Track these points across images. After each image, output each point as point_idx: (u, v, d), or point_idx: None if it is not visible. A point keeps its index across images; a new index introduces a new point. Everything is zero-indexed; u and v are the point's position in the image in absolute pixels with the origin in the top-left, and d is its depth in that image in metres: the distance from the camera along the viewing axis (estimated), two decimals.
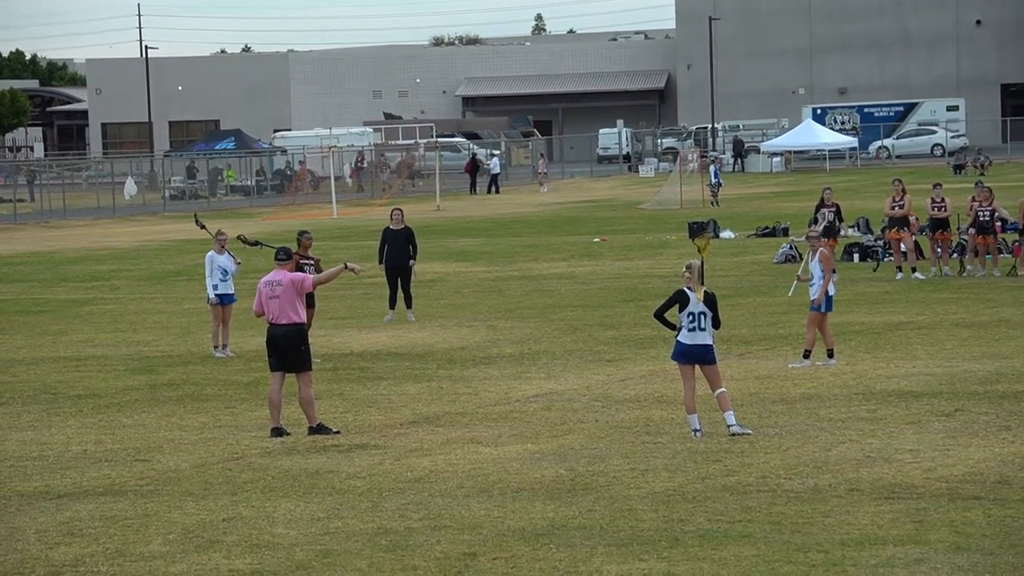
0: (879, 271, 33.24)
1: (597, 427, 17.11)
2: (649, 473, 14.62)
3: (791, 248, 37.17)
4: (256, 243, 22.93)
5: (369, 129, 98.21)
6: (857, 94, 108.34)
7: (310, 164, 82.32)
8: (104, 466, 15.93)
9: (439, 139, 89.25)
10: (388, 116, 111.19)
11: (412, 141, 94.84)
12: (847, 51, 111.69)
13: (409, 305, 27.66)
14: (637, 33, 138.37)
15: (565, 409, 18.33)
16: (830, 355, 20.84)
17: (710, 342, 16.36)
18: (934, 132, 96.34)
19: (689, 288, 16.39)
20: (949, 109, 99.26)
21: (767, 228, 44.63)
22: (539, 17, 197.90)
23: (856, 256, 36.01)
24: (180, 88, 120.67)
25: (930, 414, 17.07)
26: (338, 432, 17.13)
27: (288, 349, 16.95)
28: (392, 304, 27.70)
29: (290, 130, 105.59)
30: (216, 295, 23.98)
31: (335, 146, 76.69)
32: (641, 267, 36.93)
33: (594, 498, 13.72)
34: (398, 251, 27.34)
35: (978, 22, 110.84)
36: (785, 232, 43.38)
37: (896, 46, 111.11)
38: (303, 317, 17.19)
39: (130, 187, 78.87)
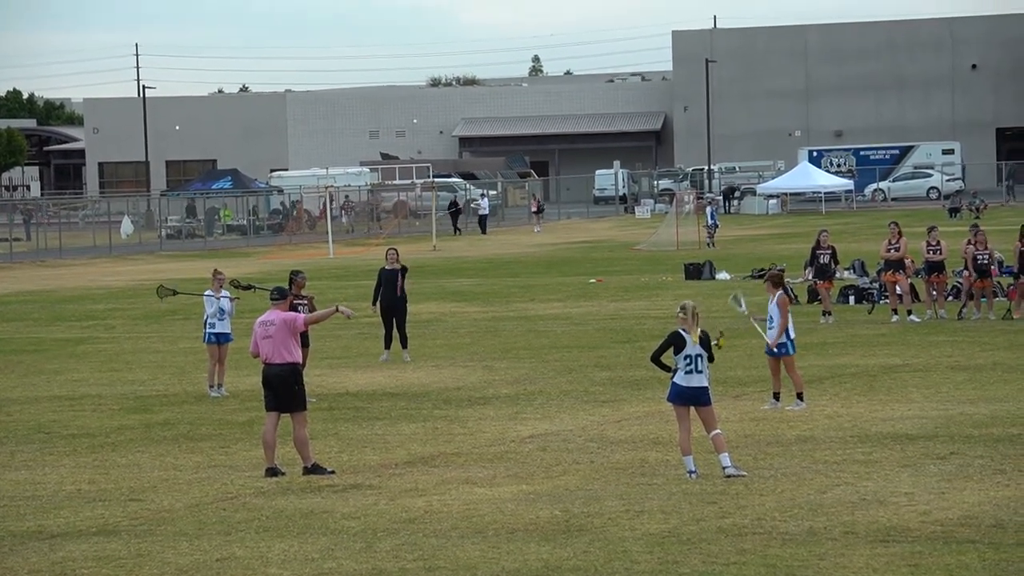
0: (874, 313, 33.26)
1: (592, 468, 17.08)
2: (644, 515, 14.60)
3: (788, 290, 37.13)
4: (249, 287, 22.97)
5: (366, 169, 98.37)
6: (853, 136, 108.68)
7: (306, 204, 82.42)
8: (98, 506, 15.88)
9: (435, 179, 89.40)
10: (385, 156, 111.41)
11: (408, 181, 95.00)
12: (843, 94, 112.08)
13: (405, 345, 27.65)
14: (634, 75, 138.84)
15: (560, 450, 18.31)
16: (800, 398, 20.84)
17: (706, 384, 16.37)
18: (930, 175, 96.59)
19: (684, 330, 16.39)
20: (945, 152, 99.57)
21: (763, 270, 44.61)
22: (536, 58, 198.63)
23: (852, 298, 36.04)
24: (177, 127, 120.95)
25: (925, 457, 17.06)
26: (333, 472, 17.10)
27: (282, 388, 16.96)
28: (387, 344, 27.70)
29: (287, 170, 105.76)
30: (212, 334, 23.96)
31: (332, 186, 76.78)
32: (637, 308, 36.95)
33: (589, 539, 13.70)
34: (392, 291, 27.36)
35: (973, 66, 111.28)
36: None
37: (892, 89, 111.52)
38: (297, 357, 17.17)
39: (127, 226, 78.92)
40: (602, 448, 18.31)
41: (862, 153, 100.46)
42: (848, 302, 35.80)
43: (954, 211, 76.25)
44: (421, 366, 26.93)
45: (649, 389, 23.00)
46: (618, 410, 21.31)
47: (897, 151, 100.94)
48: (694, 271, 45.19)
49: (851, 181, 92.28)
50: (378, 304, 27.55)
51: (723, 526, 14.03)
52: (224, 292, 24.21)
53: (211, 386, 24.01)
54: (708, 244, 60.40)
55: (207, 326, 24.12)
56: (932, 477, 15.95)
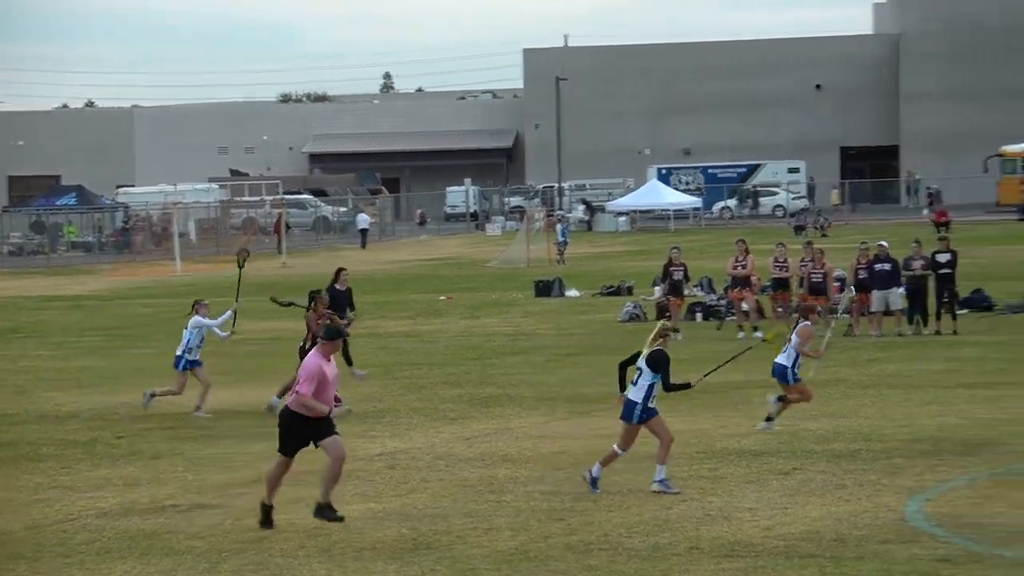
0: (722, 330, 33.61)
1: (441, 486, 17.04)
2: (492, 532, 14.59)
3: (635, 307, 37.49)
4: (289, 303, 22.82)
5: (214, 186, 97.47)
6: (701, 155, 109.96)
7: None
8: None
9: (285, 196, 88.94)
10: (234, 173, 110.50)
11: (258, 198, 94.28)
12: (692, 112, 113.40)
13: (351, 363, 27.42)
14: (486, 92, 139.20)
15: (409, 468, 18.24)
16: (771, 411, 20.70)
17: (632, 398, 16.25)
18: (775, 193, 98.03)
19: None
20: (790, 171, 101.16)
21: (612, 287, 44.98)
22: (388, 75, 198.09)
23: (700, 315, 36.39)
24: (21, 143, 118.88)
25: (769, 473, 17.25)
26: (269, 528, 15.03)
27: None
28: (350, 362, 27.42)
29: (133, 186, 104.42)
30: (189, 361, 23.35)
31: (179, 202, 75.99)
32: (487, 325, 37.00)
33: (436, 558, 13.65)
34: (343, 312, 27.12)
35: (818, 86, 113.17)
36: (629, 291, 43.75)
37: (739, 108, 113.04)
38: (292, 402, 14.94)
39: None
40: (451, 466, 18.27)
41: (710, 171, 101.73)
42: (696, 319, 36.14)
43: (799, 229, 77.36)
44: (272, 385, 26.65)
45: (499, 406, 23.04)
46: (467, 427, 21.29)
47: (744, 169, 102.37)
48: (544, 288, 45.37)
49: (699, 199, 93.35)
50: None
51: (570, 543, 14.07)
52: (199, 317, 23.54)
53: (148, 397, 23.49)
54: (558, 261, 60.70)
55: (189, 353, 23.36)
56: (775, 492, 16.14)
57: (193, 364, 23.49)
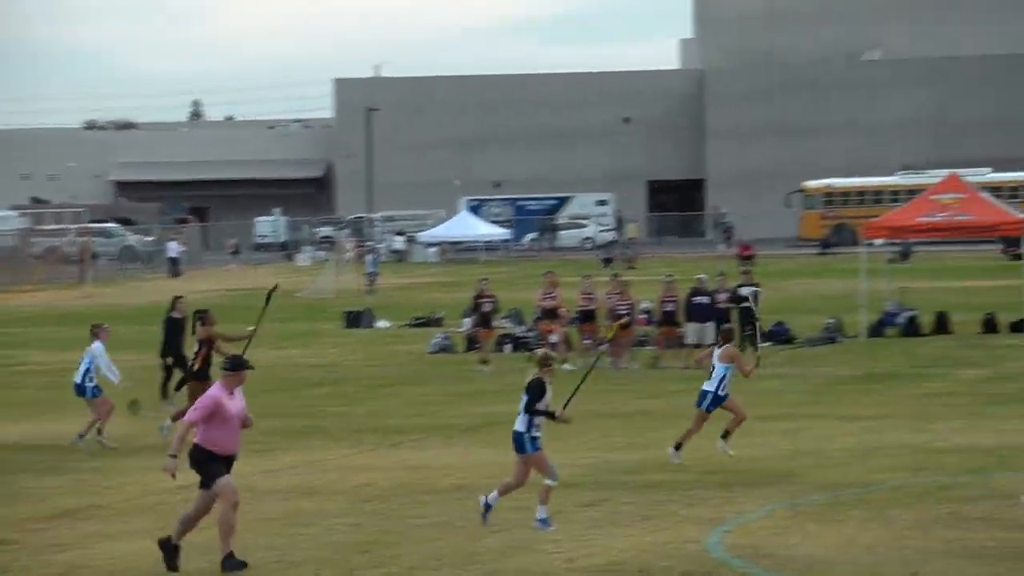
0: (531, 362, 33.75)
1: (244, 519, 16.79)
2: (296, 566, 14.46)
3: (445, 338, 37.53)
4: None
5: (14, 213, 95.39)
6: (512, 187, 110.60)
7: None
8: None
9: (90, 224, 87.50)
10: (36, 200, 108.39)
11: (61, 226, 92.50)
12: (503, 144, 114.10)
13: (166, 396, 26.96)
14: (296, 121, 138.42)
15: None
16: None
17: (517, 428, 16.12)
18: (584, 226, 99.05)
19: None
20: (598, 204, 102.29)
21: (421, 318, 44.98)
22: (196, 103, 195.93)
23: (509, 347, 36.53)
24: None
25: (574, 504, 17.34)
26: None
27: None
28: (165, 394, 26.95)
29: None
30: (95, 387, 23.01)
31: None
32: (295, 356, 36.72)
33: None
34: (181, 341, 26.77)
35: (626, 120, 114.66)
36: (439, 322, 43.78)
37: (550, 141, 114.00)
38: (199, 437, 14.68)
39: None
40: (255, 499, 18.05)
41: (520, 203, 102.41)
42: (505, 351, 36.26)
43: (607, 261, 78.15)
44: (76, 418, 26.10)
45: (305, 438, 22.86)
46: (273, 460, 21.08)
47: (554, 202, 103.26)
48: (353, 319, 45.21)
49: (509, 231, 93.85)
50: (171, 354, 26.85)
51: None
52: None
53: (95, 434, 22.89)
54: (367, 292, 60.53)
55: (90, 380, 23.05)
56: (580, 524, 16.23)
57: (96, 392, 22.99)
